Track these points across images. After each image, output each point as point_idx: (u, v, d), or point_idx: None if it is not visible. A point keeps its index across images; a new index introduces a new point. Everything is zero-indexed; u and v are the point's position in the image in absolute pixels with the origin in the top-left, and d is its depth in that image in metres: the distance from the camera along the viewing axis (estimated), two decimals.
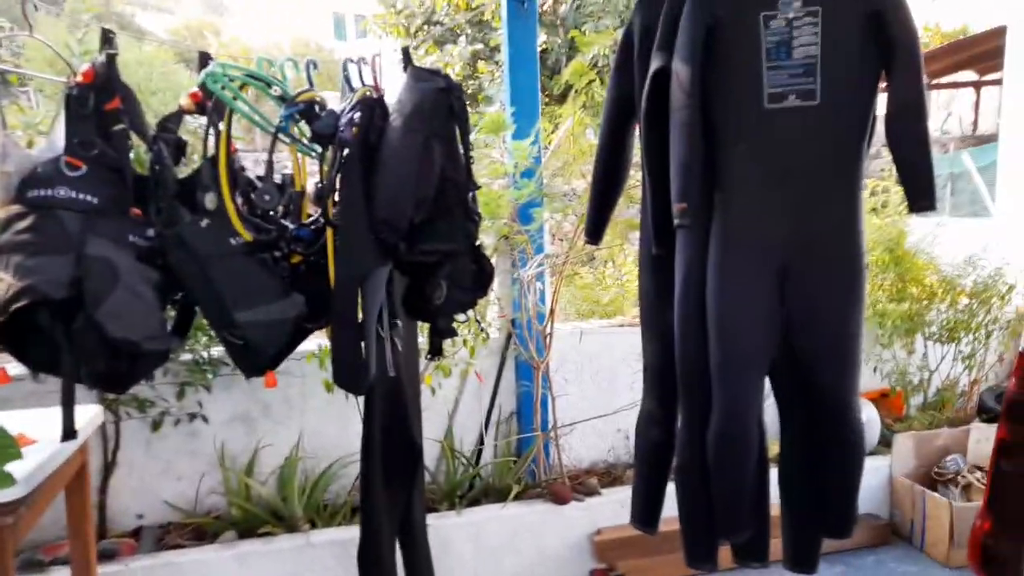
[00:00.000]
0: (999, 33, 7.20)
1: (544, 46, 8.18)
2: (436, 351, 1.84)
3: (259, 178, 1.85)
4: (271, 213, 1.80)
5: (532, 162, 2.63)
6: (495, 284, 2.85)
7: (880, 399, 3.16)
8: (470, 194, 1.76)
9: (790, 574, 1.82)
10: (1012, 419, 1.10)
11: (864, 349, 3.17)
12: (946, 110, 11.33)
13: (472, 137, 2.83)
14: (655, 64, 1.68)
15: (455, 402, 2.75)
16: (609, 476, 2.90)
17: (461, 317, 1.91)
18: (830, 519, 1.73)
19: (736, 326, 1.63)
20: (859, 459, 1.69)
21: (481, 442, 2.78)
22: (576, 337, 2.93)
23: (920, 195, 1.56)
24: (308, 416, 2.52)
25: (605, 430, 2.97)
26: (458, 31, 9.44)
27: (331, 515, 2.41)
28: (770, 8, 1.57)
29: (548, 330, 2.73)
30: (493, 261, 2.84)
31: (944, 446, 2.94)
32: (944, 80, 9.77)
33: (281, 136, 1.79)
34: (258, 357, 1.65)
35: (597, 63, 3.93)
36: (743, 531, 1.72)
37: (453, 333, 1.82)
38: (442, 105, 1.66)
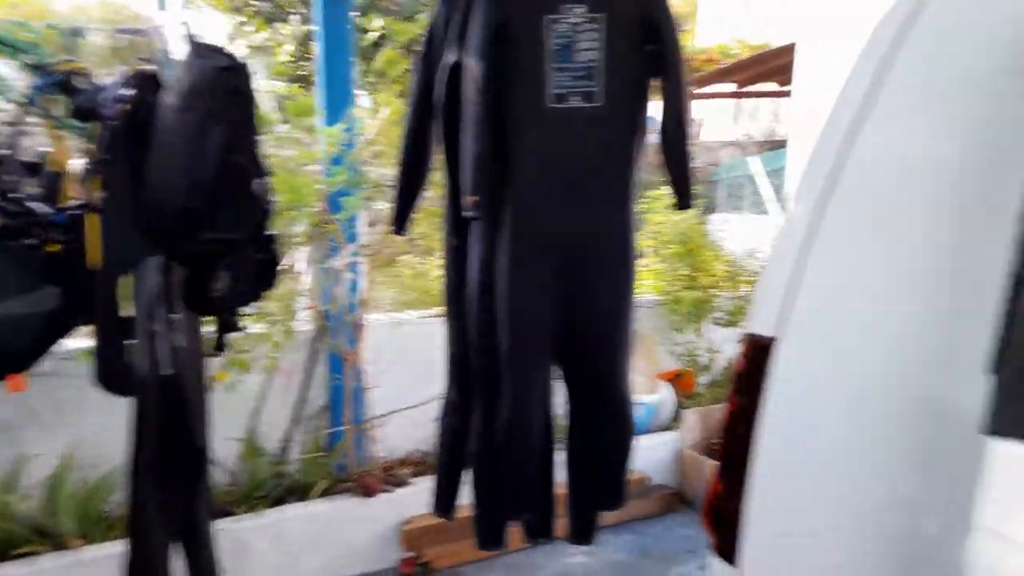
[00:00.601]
0: (791, 49, 8.09)
1: (381, 32, 8.01)
2: (220, 346, 1.74)
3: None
4: (21, 196, 1.61)
5: (344, 149, 2.56)
6: (308, 275, 2.77)
7: (675, 379, 3.45)
8: (258, 181, 1.68)
9: (572, 547, 1.94)
10: (739, 392, 1.23)
11: (661, 333, 3.48)
12: (751, 117, 12.56)
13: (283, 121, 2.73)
14: (449, 58, 1.70)
15: (260, 398, 2.62)
16: (424, 465, 2.92)
17: (250, 310, 1.84)
18: (605, 493, 1.87)
19: (521, 317, 1.70)
20: (628, 437, 1.83)
21: (288, 438, 2.68)
22: (393, 328, 2.91)
23: (682, 195, 1.72)
24: (85, 421, 2.29)
25: (421, 420, 2.96)
26: (289, 9, 8.97)
27: (109, 527, 2.21)
28: (556, 12, 1.64)
29: (361, 321, 2.69)
30: (304, 251, 2.76)
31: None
32: (749, 89, 10.78)
33: (31, 109, 1.60)
34: (1, 358, 1.47)
35: None
36: (529, 512, 1.81)
37: (236, 327, 1.73)
38: (222, 85, 1.57)
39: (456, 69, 1.66)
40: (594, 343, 1.76)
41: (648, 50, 1.68)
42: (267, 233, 1.74)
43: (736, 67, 9.29)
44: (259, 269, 1.70)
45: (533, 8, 1.64)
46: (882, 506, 1.08)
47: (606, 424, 1.83)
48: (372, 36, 6.78)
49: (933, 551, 1.01)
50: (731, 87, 10.40)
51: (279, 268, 1.75)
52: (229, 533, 2.30)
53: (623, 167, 1.70)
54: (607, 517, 2.87)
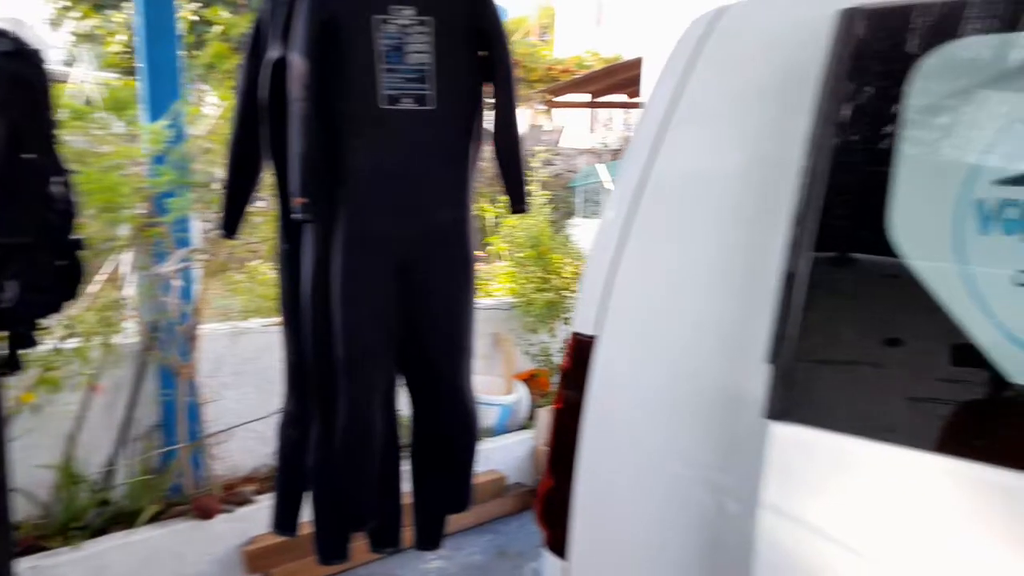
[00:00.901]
0: (639, 63, 8.56)
1: (224, 25, 7.55)
2: (14, 364, 1.55)
3: None
4: None
5: (169, 146, 2.39)
6: (133, 282, 2.55)
7: (530, 379, 3.53)
8: (56, 179, 1.52)
9: (429, 553, 1.92)
10: (565, 389, 1.27)
11: (516, 335, 3.55)
12: (605, 126, 13.16)
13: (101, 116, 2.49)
14: (273, 53, 1.63)
15: (78, 420, 2.38)
16: (271, 481, 2.77)
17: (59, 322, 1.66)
18: (451, 496, 1.86)
19: (358, 321, 1.65)
20: (473, 439, 1.84)
21: (112, 462, 2.45)
22: (234, 337, 2.75)
23: (515, 198, 1.75)
24: None
25: (267, 434, 2.83)
26: None
27: None
28: (384, 12, 1.62)
29: (194, 331, 2.51)
30: (127, 256, 2.54)
31: None
32: (602, 99, 11.31)
33: None
34: None
35: None
36: (372, 521, 1.76)
37: (32, 342, 1.55)
38: (5, 73, 1.40)
39: (280, 65, 1.59)
40: (435, 346, 1.75)
41: (480, 56, 1.70)
42: (70, 237, 1.58)
43: (590, 78, 9.72)
44: (59, 277, 1.53)
45: (360, 7, 1.60)
46: (690, 489, 1.15)
47: (450, 427, 1.83)
48: (218, 29, 6.39)
49: (735, 528, 1.09)
50: (586, 97, 10.87)
51: (84, 276, 1.59)
52: (40, 571, 2.08)
53: (458, 170, 1.71)
54: (465, 519, 2.90)
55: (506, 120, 1.71)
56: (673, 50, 1.22)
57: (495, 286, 3.81)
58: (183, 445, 2.48)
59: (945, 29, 0.93)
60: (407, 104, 1.64)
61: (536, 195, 3.68)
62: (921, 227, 0.94)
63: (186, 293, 2.50)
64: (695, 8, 1.25)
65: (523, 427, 3.46)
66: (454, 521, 2.81)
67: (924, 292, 0.90)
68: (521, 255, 3.56)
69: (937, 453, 0.87)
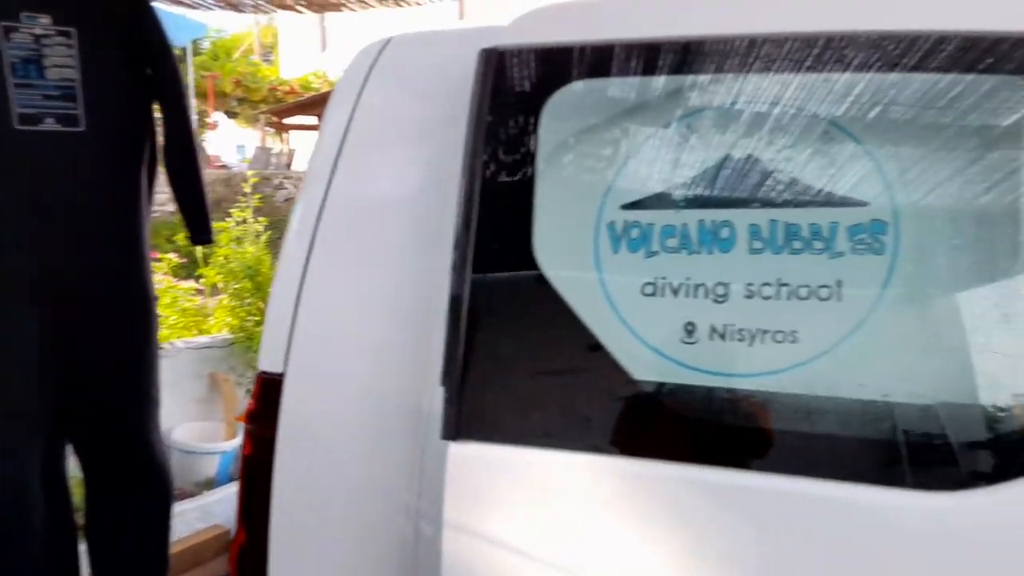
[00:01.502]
0: None
1: None
2: None
3: None
4: None
5: None
6: None
7: None
8: None
9: None
10: (253, 435, 1.18)
11: (237, 373, 3.28)
12: None
13: None
14: None
15: None
16: None
17: None
18: (144, 566, 1.63)
19: None
20: (166, 499, 1.64)
21: None
22: None
23: (197, 229, 1.61)
24: None
25: None
26: None
27: None
28: (11, 19, 1.38)
29: None
30: None
31: None
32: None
33: None
34: None
35: None
36: None
37: None
38: None
39: None
40: (109, 399, 1.52)
41: (143, 72, 1.53)
42: None
43: (316, 100, 9.51)
44: None
45: None
46: (389, 519, 1.14)
47: (139, 489, 1.60)
48: None
49: (431, 551, 1.09)
50: (313, 120, 10.60)
51: None
52: None
53: (125, 200, 1.51)
54: None
55: (178, 142, 1.56)
56: (343, 77, 1.21)
57: (211, 322, 3.49)
58: None
59: (571, 71, 1.04)
60: (50, 125, 1.41)
61: (251, 223, 3.46)
62: (564, 248, 1.03)
63: None
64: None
65: None
66: None
67: (569, 308, 0.99)
68: (238, 287, 3.31)
69: (590, 452, 0.96)
